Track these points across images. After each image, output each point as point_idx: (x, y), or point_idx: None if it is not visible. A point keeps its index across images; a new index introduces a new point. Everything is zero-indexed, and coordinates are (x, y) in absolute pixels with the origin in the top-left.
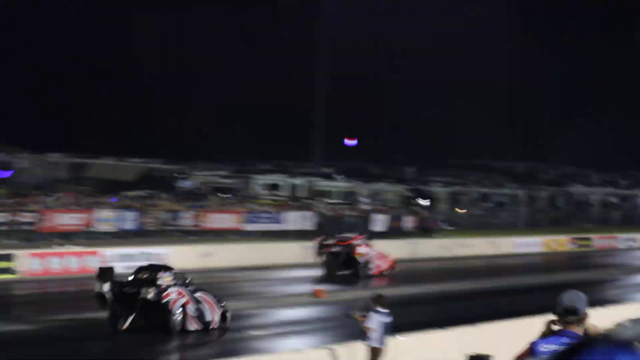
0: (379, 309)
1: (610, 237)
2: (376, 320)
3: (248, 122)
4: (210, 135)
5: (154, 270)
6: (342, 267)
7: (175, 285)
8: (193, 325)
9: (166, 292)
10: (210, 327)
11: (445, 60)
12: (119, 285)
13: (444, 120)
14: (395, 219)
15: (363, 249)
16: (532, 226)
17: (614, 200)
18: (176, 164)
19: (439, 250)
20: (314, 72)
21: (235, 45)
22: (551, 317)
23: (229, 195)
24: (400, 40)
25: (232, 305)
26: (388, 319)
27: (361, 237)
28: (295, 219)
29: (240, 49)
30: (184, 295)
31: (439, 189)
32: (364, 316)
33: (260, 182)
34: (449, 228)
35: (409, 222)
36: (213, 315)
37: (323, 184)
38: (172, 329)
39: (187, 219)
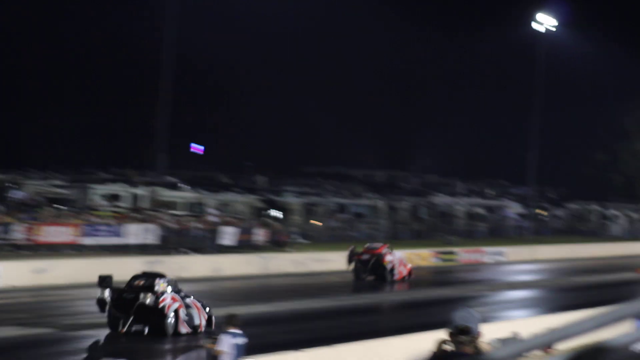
0: (232, 330)
1: (476, 250)
2: (228, 343)
3: (86, 126)
4: (44, 142)
5: (150, 277)
6: (369, 274)
7: (169, 291)
8: (184, 329)
9: (162, 298)
10: (198, 330)
11: (299, 63)
12: (118, 291)
13: (298, 126)
14: (246, 231)
15: (389, 257)
16: (394, 239)
17: (480, 211)
18: (6, 172)
19: (293, 265)
20: (158, 73)
21: (74, 47)
22: (443, 336)
23: (65, 207)
24: (251, 43)
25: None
26: (242, 341)
27: (386, 246)
28: (137, 232)
29: (79, 51)
30: (177, 300)
31: (292, 200)
32: (215, 341)
33: (99, 192)
34: (304, 241)
35: (260, 235)
36: (200, 319)
37: (167, 194)
38: (166, 331)
39: (19, 232)
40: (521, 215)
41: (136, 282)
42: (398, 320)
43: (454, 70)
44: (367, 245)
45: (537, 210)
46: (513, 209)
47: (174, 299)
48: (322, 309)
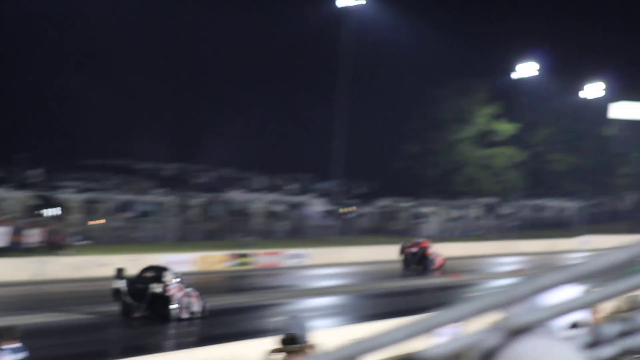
0: (9, 345)
1: (275, 252)
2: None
3: None
4: None
5: (159, 270)
6: (417, 263)
7: (175, 282)
8: (184, 315)
9: (169, 287)
10: (195, 316)
11: (78, 48)
12: (131, 282)
13: (81, 115)
14: (17, 232)
15: (431, 249)
16: (183, 240)
17: (280, 208)
18: None
19: (71, 270)
20: None
21: None
22: (273, 346)
23: None
24: (26, 28)
25: None
26: (21, 355)
27: (429, 241)
28: None
29: None
30: (181, 290)
31: (70, 196)
32: None
33: None
34: (83, 243)
35: (33, 236)
36: (198, 307)
37: None
38: (171, 317)
39: None
40: (325, 213)
41: (146, 274)
42: (191, 333)
43: (252, 52)
44: (415, 239)
45: (343, 209)
46: (317, 206)
47: (179, 289)
48: (105, 317)
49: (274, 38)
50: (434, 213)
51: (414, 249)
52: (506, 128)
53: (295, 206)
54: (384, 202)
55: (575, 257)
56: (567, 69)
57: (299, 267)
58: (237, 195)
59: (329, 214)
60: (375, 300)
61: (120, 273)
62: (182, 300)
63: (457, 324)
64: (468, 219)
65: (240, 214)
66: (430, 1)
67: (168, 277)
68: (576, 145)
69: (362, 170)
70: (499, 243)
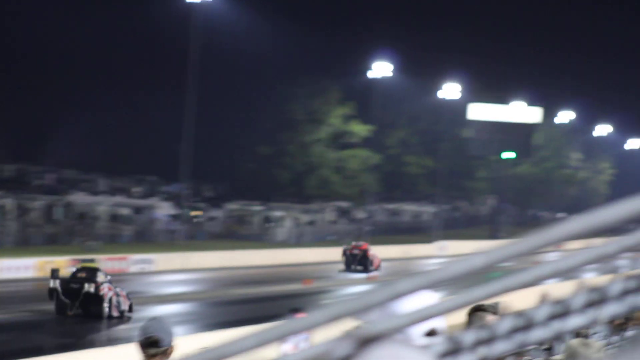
0: None
1: (120, 258)
2: None
3: None
4: None
5: (91, 270)
6: (357, 264)
7: (106, 282)
8: (115, 313)
9: (101, 287)
10: (124, 314)
11: None
12: (65, 281)
13: None
14: None
15: (371, 252)
16: (23, 244)
17: (125, 212)
18: None
19: None
20: None
21: None
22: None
23: None
24: None
25: None
26: None
27: (367, 244)
28: None
29: None
30: (111, 290)
31: None
32: None
33: None
34: None
35: None
36: (126, 305)
37: None
38: (102, 315)
39: None
40: (173, 216)
41: (79, 274)
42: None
43: (97, 49)
44: (355, 243)
45: (192, 212)
46: (164, 209)
47: (109, 288)
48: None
49: (121, 35)
50: (285, 217)
51: (356, 251)
52: (360, 129)
53: (141, 209)
54: (234, 206)
55: (432, 263)
56: (423, 70)
57: (146, 273)
58: (80, 198)
59: (176, 217)
60: (226, 308)
61: (55, 273)
62: (113, 299)
63: (309, 332)
64: (322, 223)
65: (84, 217)
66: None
67: (100, 277)
68: (433, 147)
69: (211, 172)
70: None
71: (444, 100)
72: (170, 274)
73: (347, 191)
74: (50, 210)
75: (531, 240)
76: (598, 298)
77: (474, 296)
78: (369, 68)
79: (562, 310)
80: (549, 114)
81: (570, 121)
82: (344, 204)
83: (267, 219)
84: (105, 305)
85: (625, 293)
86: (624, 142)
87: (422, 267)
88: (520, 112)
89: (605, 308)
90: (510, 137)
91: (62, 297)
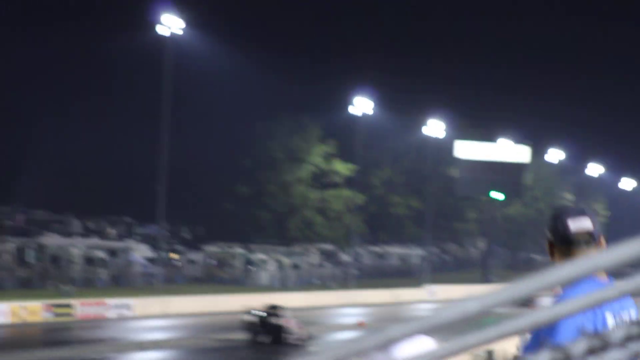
0: None
1: (97, 302)
2: None
3: None
4: None
5: (278, 307)
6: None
7: (290, 316)
8: (294, 341)
9: (288, 320)
10: (300, 343)
11: None
12: (260, 316)
13: None
14: None
15: (287, 317)
16: None
17: (100, 254)
18: None
19: None
20: None
21: None
22: None
23: None
24: None
25: None
26: None
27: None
28: None
29: None
30: (292, 321)
31: None
32: None
33: None
34: None
35: None
36: (305, 335)
37: None
38: (286, 342)
39: None
40: (150, 260)
41: (270, 310)
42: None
43: (67, 83)
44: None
45: (170, 255)
46: (140, 252)
47: (293, 322)
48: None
49: (94, 71)
50: (268, 260)
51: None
52: (343, 169)
53: (116, 252)
54: (214, 248)
55: (422, 308)
56: (407, 107)
57: (125, 318)
58: (52, 240)
59: (154, 260)
60: (209, 355)
61: (251, 311)
62: (296, 330)
63: None
64: (306, 266)
65: (57, 260)
66: (263, 34)
67: (287, 313)
68: (419, 187)
69: (188, 213)
70: (339, 293)
71: (429, 138)
72: (150, 319)
73: (331, 233)
74: (22, 253)
75: (525, 284)
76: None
77: (469, 342)
78: (351, 105)
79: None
80: (538, 153)
81: (560, 160)
82: (328, 247)
83: (249, 262)
84: (291, 335)
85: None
86: (617, 182)
87: (412, 312)
88: (508, 150)
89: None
90: (499, 176)
91: (258, 329)
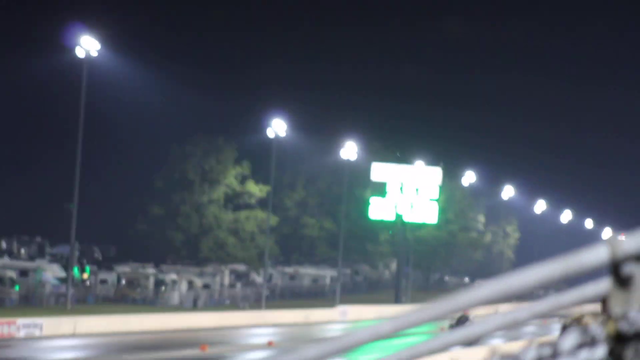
0: None
1: (7, 322)
2: None
3: None
4: None
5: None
6: None
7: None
8: None
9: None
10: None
11: None
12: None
13: None
14: None
15: None
16: None
17: (11, 274)
18: None
19: None
20: None
21: None
22: None
23: None
24: None
25: None
26: None
27: None
28: None
29: None
30: None
31: None
32: None
33: None
34: None
35: None
36: None
37: None
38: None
39: None
40: (61, 279)
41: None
42: None
43: None
44: None
45: (82, 275)
46: (51, 272)
47: None
48: None
49: (5, 88)
50: (179, 280)
51: None
52: (257, 190)
53: (26, 272)
54: (125, 269)
55: (334, 329)
56: (321, 130)
57: (34, 337)
58: None
59: (64, 280)
60: None
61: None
62: None
63: None
64: (218, 287)
65: None
66: (180, 56)
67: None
68: (333, 209)
69: (100, 233)
70: (251, 313)
71: (343, 161)
72: (60, 339)
73: (244, 254)
74: None
75: (439, 306)
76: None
77: None
78: (265, 127)
79: None
80: (451, 175)
81: (472, 183)
82: (240, 267)
83: (160, 282)
84: None
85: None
86: (531, 205)
87: (324, 333)
88: (421, 172)
89: None
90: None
91: None
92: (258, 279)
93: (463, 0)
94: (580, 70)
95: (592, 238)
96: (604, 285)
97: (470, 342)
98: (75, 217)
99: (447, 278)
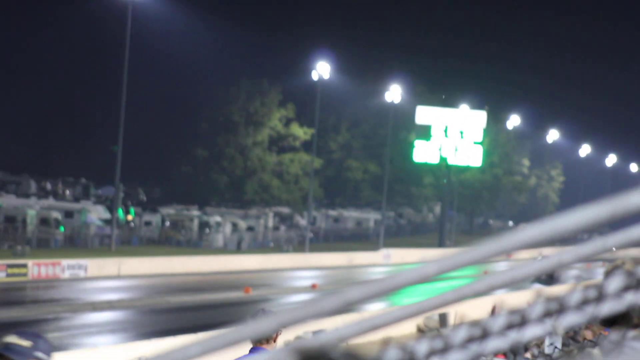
0: None
1: (52, 263)
2: None
3: None
4: None
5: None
6: None
7: None
8: None
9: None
10: None
11: None
12: None
13: None
14: None
15: None
16: None
17: (55, 215)
18: None
19: None
20: None
21: None
22: None
23: None
24: None
25: None
26: None
27: None
28: None
29: None
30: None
31: None
32: None
33: None
34: None
35: None
36: None
37: None
38: None
39: None
40: (105, 221)
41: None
42: None
43: (24, 44)
44: None
45: (125, 216)
46: (96, 213)
47: None
48: None
49: (50, 32)
50: (224, 223)
51: None
52: (301, 133)
53: (71, 213)
54: (170, 211)
55: (377, 272)
56: (365, 73)
57: (79, 279)
58: (7, 201)
59: (109, 222)
60: (162, 316)
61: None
62: None
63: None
64: (262, 229)
65: (12, 220)
66: (221, 1)
67: None
68: (377, 152)
69: (145, 175)
70: (294, 256)
71: (387, 103)
72: (104, 280)
73: (288, 197)
74: None
75: (483, 249)
76: (556, 308)
77: (427, 305)
78: (310, 69)
79: (519, 320)
80: (494, 119)
81: (516, 127)
82: (284, 210)
83: (205, 225)
84: None
85: (585, 303)
86: (575, 149)
87: (367, 275)
88: (466, 116)
89: (564, 318)
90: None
91: None
92: (302, 221)
93: None
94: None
95: (637, 182)
96: None
97: (515, 285)
98: (120, 159)
99: (491, 221)
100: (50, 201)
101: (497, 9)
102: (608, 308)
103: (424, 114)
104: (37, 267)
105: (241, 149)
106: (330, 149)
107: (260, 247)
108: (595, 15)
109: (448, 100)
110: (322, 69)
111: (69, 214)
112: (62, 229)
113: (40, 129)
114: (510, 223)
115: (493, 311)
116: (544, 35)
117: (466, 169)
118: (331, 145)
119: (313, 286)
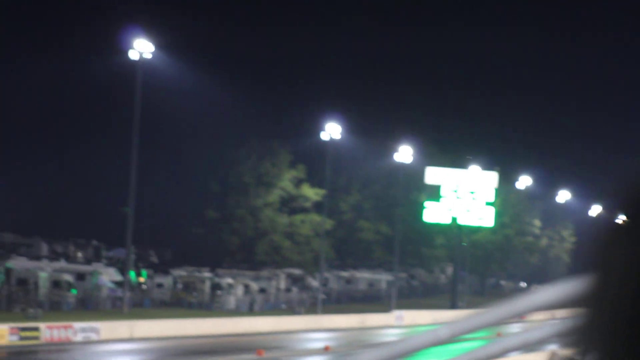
0: None
1: (64, 326)
2: None
3: None
4: None
5: None
6: None
7: None
8: None
9: None
10: None
11: None
12: None
13: None
14: None
15: None
16: None
17: (67, 278)
18: None
19: None
20: None
21: None
22: None
23: None
24: None
25: None
26: None
27: None
28: None
29: None
30: None
31: None
32: None
33: None
34: None
35: None
36: None
37: None
38: None
39: None
40: (117, 283)
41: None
42: None
43: (34, 104)
44: None
45: (137, 278)
46: (107, 275)
47: None
48: None
49: (61, 94)
50: (235, 284)
51: None
52: (312, 193)
53: (83, 275)
54: (181, 272)
55: (390, 333)
56: (375, 133)
57: (91, 342)
58: (19, 263)
59: (121, 284)
60: None
61: None
62: None
63: None
64: (273, 291)
65: (24, 283)
66: (235, 61)
67: None
68: (388, 212)
69: (156, 237)
70: (306, 318)
71: (398, 164)
72: (117, 343)
73: (299, 258)
74: None
75: (496, 311)
76: None
77: None
78: (320, 130)
79: None
80: (505, 180)
81: (527, 187)
82: (296, 271)
83: (216, 286)
84: None
85: None
86: (586, 209)
87: (380, 338)
88: (477, 176)
89: None
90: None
91: None
92: (314, 283)
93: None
94: None
95: None
96: None
97: (528, 347)
98: (132, 221)
99: (503, 283)
100: (62, 263)
101: (507, 72)
102: None
103: (433, 175)
104: (49, 330)
105: (252, 210)
106: (341, 210)
107: (273, 308)
108: (613, 75)
109: (458, 160)
110: (332, 130)
111: (80, 277)
112: (74, 291)
113: (51, 191)
114: (523, 284)
115: None
116: (555, 96)
117: (478, 229)
118: (342, 206)
119: (326, 348)
